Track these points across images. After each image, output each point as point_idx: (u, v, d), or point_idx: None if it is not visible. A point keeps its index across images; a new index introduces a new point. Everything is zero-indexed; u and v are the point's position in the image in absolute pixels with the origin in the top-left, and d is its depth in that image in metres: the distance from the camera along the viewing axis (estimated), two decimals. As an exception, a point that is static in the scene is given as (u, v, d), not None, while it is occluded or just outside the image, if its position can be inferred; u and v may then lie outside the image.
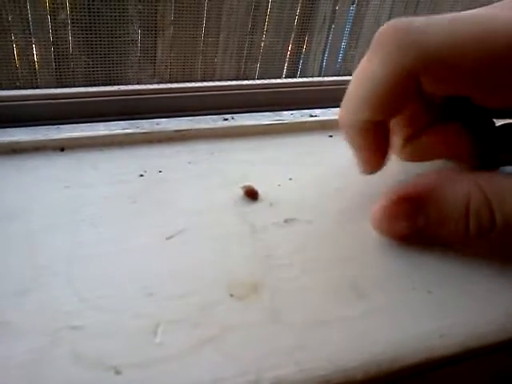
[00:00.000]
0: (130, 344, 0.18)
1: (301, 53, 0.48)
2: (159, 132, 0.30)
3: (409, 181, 0.24)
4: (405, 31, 0.23)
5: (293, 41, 0.46)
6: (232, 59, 0.44)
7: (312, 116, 0.35)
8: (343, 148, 0.29)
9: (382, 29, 0.24)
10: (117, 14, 0.38)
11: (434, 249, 0.24)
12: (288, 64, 0.48)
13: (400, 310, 0.21)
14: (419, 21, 0.23)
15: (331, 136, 0.33)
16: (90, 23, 0.37)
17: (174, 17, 0.40)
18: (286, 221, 0.25)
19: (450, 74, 0.23)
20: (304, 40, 0.47)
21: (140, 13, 0.39)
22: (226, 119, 0.33)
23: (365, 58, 0.25)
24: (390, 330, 0.20)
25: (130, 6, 0.38)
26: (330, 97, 0.38)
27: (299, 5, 0.45)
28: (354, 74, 0.26)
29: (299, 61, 0.49)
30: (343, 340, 0.19)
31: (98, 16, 0.37)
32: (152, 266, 0.22)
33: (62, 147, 0.28)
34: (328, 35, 0.49)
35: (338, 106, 0.38)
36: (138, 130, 0.30)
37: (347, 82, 0.37)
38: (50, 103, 0.30)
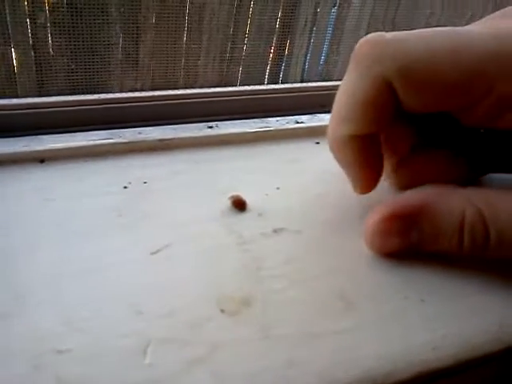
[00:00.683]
0: (118, 366, 0.18)
1: (283, 56, 0.48)
2: (142, 141, 0.29)
3: (399, 195, 0.24)
4: (381, 44, 0.23)
5: (275, 45, 0.46)
6: (215, 62, 0.44)
7: (298, 122, 0.35)
8: (330, 155, 0.28)
9: (359, 44, 0.24)
10: (98, 16, 0.37)
11: (426, 259, 0.24)
12: (270, 67, 0.48)
13: (391, 321, 0.21)
14: (395, 34, 0.23)
15: (318, 143, 0.33)
16: (71, 26, 0.37)
17: (156, 20, 0.40)
18: (274, 231, 0.25)
19: (427, 86, 0.23)
20: (286, 44, 0.47)
21: (122, 15, 0.39)
22: (211, 127, 0.32)
23: (347, 71, 0.25)
24: (382, 343, 0.20)
25: (112, 9, 0.38)
26: (315, 102, 0.38)
27: (280, 8, 0.45)
28: (339, 88, 0.25)
29: (281, 64, 0.49)
30: (334, 354, 0.19)
31: (80, 18, 0.37)
32: (138, 283, 0.21)
33: (42, 159, 0.27)
34: (310, 38, 0.49)
35: (324, 112, 0.38)
36: (120, 140, 0.29)
37: (332, 87, 0.37)
38: (29, 113, 0.29)
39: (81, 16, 0.36)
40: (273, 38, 0.46)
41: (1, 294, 0.20)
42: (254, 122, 0.34)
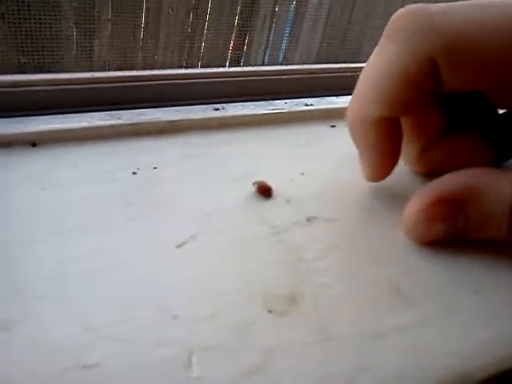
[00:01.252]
0: (161, 382, 0.14)
1: (242, 52, 0.46)
2: (148, 123, 0.26)
3: (439, 180, 0.22)
4: (425, 17, 0.21)
5: (234, 41, 0.45)
6: (173, 57, 0.42)
7: (307, 105, 0.32)
8: (348, 139, 0.26)
9: (396, 15, 0.22)
10: (49, 11, 0.34)
11: (469, 247, 0.22)
12: (229, 63, 0.46)
13: (451, 315, 0.19)
14: (441, 6, 0.21)
15: (333, 126, 0.31)
16: (20, 18, 0.33)
17: (112, 15, 0.37)
18: (307, 219, 0.22)
19: (474, 64, 0.21)
20: (245, 40, 0.46)
21: (75, 9, 0.36)
22: (217, 109, 0.29)
23: (377, 47, 0.22)
24: (450, 339, 0.18)
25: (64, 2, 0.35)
26: (324, 84, 0.35)
27: (239, 4, 0.44)
28: (365, 66, 0.23)
29: (240, 62, 0.47)
30: (405, 353, 0.17)
31: (29, 11, 0.33)
32: (166, 282, 0.18)
33: (33, 142, 0.23)
34: (269, 35, 0.48)
35: (331, 95, 0.36)
36: (123, 121, 0.26)
37: (343, 69, 0.35)
38: (13, 91, 0.25)
39: (29, 10, 0.33)
40: (232, 36, 0.44)
41: (1, 298, 0.16)
42: (261, 105, 0.31)
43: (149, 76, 0.29)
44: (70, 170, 0.23)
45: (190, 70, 0.31)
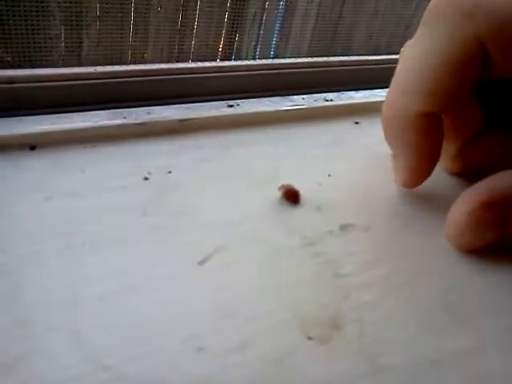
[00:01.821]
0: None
1: (232, 49, 0.44)
2: (157, 122, 0.23)
3: (485, 181, 0.20)
4: (464, 1, 0.18)
5: (224, 37, 0.43)
6: (163, 56, 0.41)
7: (327, 100, 0.30)
8: (373, 137, 0.24)
9: (437, 2, 0.19)
10: (36, 7, 0.32)
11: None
12: (220, 61, 0.45)
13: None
14: None
15: (357, 123, 0.28)
16: (5, 16, 0.31)
17: (100, 13, 0.35)
18: (341, 227, 0.20)
19: None
20: (235, 38, 0.44)
21: (61, 7, 0.34)
22: (231, 105, 0.27)
23: (417, 33, 0.20)
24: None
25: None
26: (342, 78, 0.33)
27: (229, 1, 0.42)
28: (403, 56, 0.21)
29: (231, 58, 0.46)
30: (466, 381, 0.15)
31: (13, 7, 0.31)
32: (189, 306, 0.16)
33: (32, 145, 0.21)
34: (259, 31, 0.46)
35: (350, 90, 0.33)
36: (129, 121, 0.23)
37: (354, 62, 0.32)
38: (6, 88, 0.23)
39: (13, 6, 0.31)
40: (222, 33, 0.43)
41: (2, 331, 0.14)
42: (278, 101, 0.29)
43: (156, 70, 0.26)
44: (76, 176, 0.20)
45: (199, 64, 0.28)
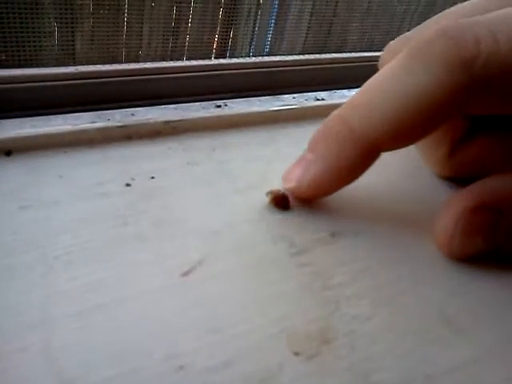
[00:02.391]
0: None
1: (227, 47, 0.44)
2: (142, 125, 0.23)
3: (475, 184, 0.19)
4: (464, 44, 0.17)
5: (218, 34, 0.42)
6: (157, 53, 0.40)
7: (318, 99, 0.29)
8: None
9: (432, 37, 0.18)
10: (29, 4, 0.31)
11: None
12: (214, 58, 0.44)
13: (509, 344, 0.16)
14: (484, 26, 0.17)
15: (349, 122, 0.27)
16: None
17: (93, 9, 0.35)
18: (332, 235, 0.19)
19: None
20: (229, 35, 0.43)
21: (55, 4, 0.33)
22: (219, 106, 0.26)
23: (399, 65, 0.18)
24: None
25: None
26: (332, 76, 0.32)
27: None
28: (379, 78, 0.19)
29: (225, 55, 0.45)
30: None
31: (7, 6, 0.30)
32: (170, 322, 0.15)
33: (8, 150, 0.20)
34: (254, 28, 0.45)
35: (344, 88, 0.33)
36: (112, 124, 0.22)
37: (349, 59, 0.31)
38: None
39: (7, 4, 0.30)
40: (216, 29, 0.42)
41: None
42: (268, 100, 0.28)
43: (140, 70, 0.26)
44: (53, 183, 0.19)
45: (186, 63, 0.27)
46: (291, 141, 0.25)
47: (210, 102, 0.27)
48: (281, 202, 0.20)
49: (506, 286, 0.18)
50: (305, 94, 0.30)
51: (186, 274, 0.16)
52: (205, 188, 0.21)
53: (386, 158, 0.24)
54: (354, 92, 0.31)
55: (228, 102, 0.27)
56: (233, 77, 0.28)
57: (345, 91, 0.31)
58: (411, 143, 0.19)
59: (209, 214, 0.19)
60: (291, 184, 0.20)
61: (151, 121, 0.23)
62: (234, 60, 0.29)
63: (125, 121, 0.23)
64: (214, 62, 0.29)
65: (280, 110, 0.26)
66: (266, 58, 0.30)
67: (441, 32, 0.17)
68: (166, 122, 0.23)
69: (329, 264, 0.18)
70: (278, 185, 0.21)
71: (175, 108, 0.25)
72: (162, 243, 0.17)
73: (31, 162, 0.20)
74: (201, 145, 0.23)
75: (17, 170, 0.20)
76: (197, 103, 0.26)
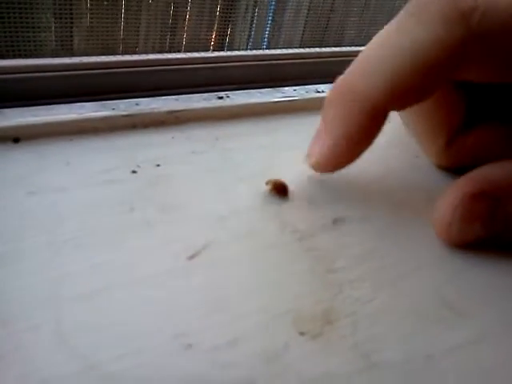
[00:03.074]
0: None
1: (224, 42, 0.44)
2: (146, 114, 0.23)
3: (475, 171, 0.19)
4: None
5: (216, 31, 0.43)
6: (154, 49, 0.40)
7: (319, 92, 0.30)
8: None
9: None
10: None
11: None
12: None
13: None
14: None
15: (350, 114, 0.28)
16: None
17: (90, 6, 0.35)
18: (334, 221, 0.20)
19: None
20: (227, 30, 0.43)
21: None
22: (221, 97, 0.26)
23: (396, 23, 0.19)
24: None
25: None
26: (332, 69, 0.32)
27: None
28: (378, 39, 0.19)
29: (223, 50, 0.45)
30: (462, 378, 0.14)
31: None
32: (178, 303, 0.15)
33: (16, 137, 0.20)
34: (252, 23, 0.45)
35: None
36: (117, 113, 0.22)
37: (347, 52, 0.32)
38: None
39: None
40: (214, 23, 0.42)
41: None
42: (269, 92, 0.29)
43: (145, 61, 0.26)
44: (61, 169, 0.20)
45: (188, 55, 0.27)
46: (292, 131, 0.25)
47: (212, 94, 0.27)
48: (280, 190, 0.20)
49: (504, 272, 0.19)
50: (305, 86, 0.30)
51: (192, 257, 0.17)
52: (209, 176, 0.21)
53: (386, 148, 0.25)
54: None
55: (230, 93, 0.27)
56: (234, 69, 0.29)
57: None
58: (414, 103, 0.19)
59: (213, 201, 0.19)
60: (312, 159, 0.20)
61: (155, 110, 0.23)
62: (236, 52, 0.29)
63: (129, 110, 0.23)
64: (216, 54, 0.29)
65: (280, 101, 0.27)
66: (267, 51, 0.30)
67: None
68: (170, 112, 0.23)
69: (332, 249, 0.18)
70: (279, 173, 0.21)
71: (178, 99, 0.25)
72: (168, 228, 0.18)
73: (39, 149, 0.20)
74: (203, 134, 0.23)
75: (24, 157, 0.20)
76: (199, 94, 0.27)
